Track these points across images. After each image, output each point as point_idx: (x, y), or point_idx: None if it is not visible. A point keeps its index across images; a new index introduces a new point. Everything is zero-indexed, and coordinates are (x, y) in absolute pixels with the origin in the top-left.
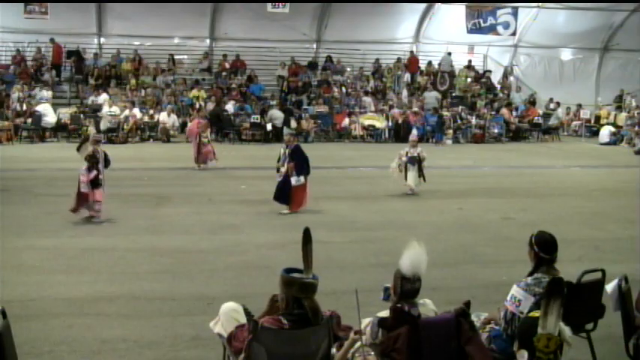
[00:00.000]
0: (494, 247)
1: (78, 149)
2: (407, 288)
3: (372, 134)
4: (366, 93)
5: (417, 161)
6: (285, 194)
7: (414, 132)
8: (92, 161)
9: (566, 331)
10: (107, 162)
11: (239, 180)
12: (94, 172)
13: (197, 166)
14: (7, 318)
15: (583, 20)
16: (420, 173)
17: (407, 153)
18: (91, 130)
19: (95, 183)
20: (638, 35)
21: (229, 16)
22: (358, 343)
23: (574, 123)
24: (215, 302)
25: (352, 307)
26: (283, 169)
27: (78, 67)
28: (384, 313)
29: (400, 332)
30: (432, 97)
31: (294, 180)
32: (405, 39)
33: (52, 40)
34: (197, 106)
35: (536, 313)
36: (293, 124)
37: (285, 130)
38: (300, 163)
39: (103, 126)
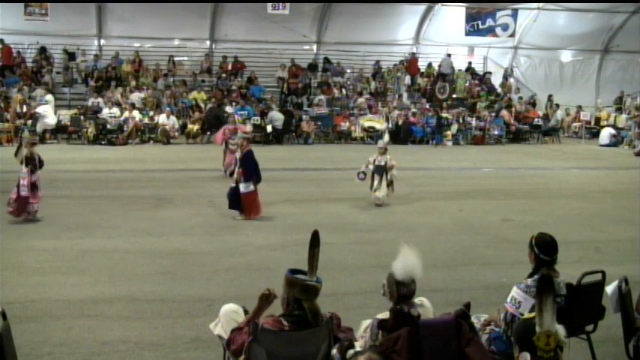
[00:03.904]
0: (494, 248)
1: (15, 154)
2: (403, 292)
3: (372, 136)
4: (360, 94)
5: (384, 170)
6: (236, 201)
7: (386, 138)
8: (31, 163)
9: (560, 329)
10: (40, 164)
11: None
12: (37, 175)
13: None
14: (7, 319)
15: (583, 22)
16: (388, 183)
17: (374, 161)
18: (26, 133)
19: (34, 185)
20: (639, 37)
21: (229, 17)
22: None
23: (574, 125)
24: (215, 304)
25: (352, 308)
26: (235, 175)
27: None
28: (383, 315)
29: (400, 333)
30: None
31: (242, 187)
32: (405, 40)
33: (1, 41)
34: (229, 110)
35: (530, 315)
36: (257, 122)
37: (239, 134)
38: (248, 170)
39: (39, 128)
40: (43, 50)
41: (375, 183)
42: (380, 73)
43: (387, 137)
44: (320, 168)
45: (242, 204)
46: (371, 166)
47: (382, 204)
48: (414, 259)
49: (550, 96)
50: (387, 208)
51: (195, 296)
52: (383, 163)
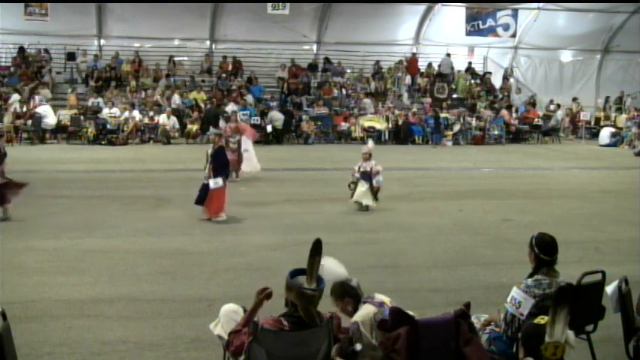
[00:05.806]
0: (494, 248)
1: None
2: (353, 292)
3: (372, 136)
4: (367, 95)
5: (369, 176)
6: (203, 197)
7: (370, 144)
8: None
9: (570, 334)
10: (3, 156)
11: (239, 182)
12: (1, 166)
13: (234, 176)
14: (7, 319)
15: (583, 22)
16: (375, 191)
17: (359, 168)
18: None
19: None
20: (639, 37)
21: (229, 17)
22: None
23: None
24: (215, 304)
25: None
26: (207, 171)
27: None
28: (362, 316)
29: (400, 333)
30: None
31: (211, 182)
32: (405, 40)
33: None
34: (229, 109)
35: (541, 320)
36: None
37: (211, 130)
38: (218, 166)
39: (6, 120)
40: (21, 50)
41: (360, 189)
42: (380, 73)
43: (371, 143)
44: (320, 168)
45: (208, 201)
46: (357, 175)
47: (367, 209)
48: (332, 263)
49: (551, 101)
50: (387, 208)
51: (195, 296)
52: (368, 169)
